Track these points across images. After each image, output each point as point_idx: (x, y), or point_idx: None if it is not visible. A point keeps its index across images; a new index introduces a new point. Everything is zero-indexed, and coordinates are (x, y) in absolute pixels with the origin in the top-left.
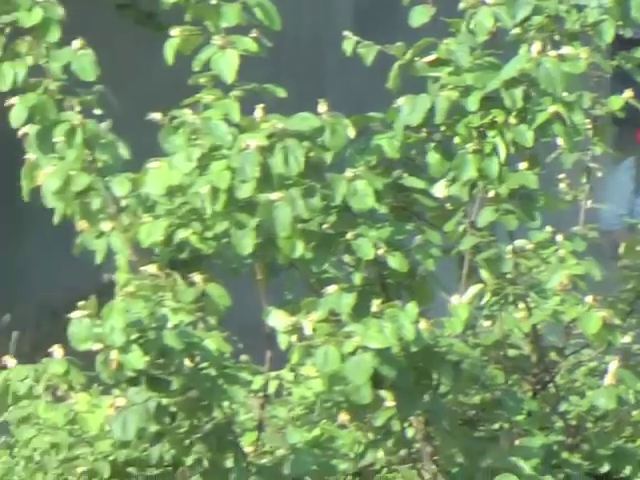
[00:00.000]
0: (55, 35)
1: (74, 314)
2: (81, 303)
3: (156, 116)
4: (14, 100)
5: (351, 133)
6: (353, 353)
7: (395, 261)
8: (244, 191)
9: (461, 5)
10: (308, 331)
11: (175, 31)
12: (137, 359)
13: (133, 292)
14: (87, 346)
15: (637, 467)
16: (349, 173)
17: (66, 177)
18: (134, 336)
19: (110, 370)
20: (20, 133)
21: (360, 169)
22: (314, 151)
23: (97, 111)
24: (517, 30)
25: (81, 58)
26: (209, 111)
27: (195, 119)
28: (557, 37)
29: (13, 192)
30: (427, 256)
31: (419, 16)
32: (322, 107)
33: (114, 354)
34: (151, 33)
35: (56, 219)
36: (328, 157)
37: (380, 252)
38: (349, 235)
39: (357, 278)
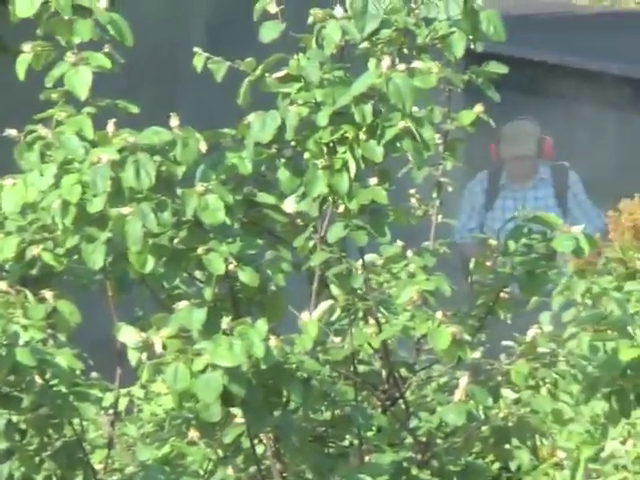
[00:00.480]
0: None
1: None
2: None
3: (11, 132)
4: None
5: (203, 148)
6: (203, 371)
7: (246, 276)
8: (95, 205)
9: (310, 19)
10: (158, 348)
11: (27, 47)
12: None
13: None
14: None
15: None
16: (200, 187)
17: None
18: None
19: None
20: None
21: (212, 183)
22: (165, 165)
23: None
24: (366, 44)
25: None
26: (62, 127)
27: (48, 133)
28: (406, 51)
29: None
30: (278, 271)
31: (269, 32)
32: (174, 121)
33: None
34: None
35: None
36: (179, 171)
37: (231, 267)
38: (200, 250)
39: (208, 293)
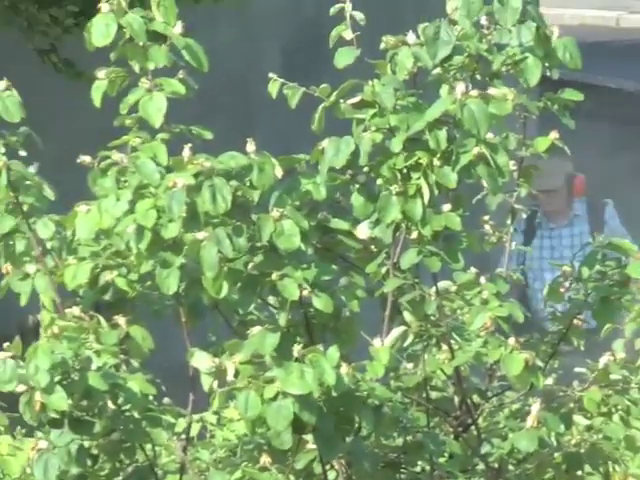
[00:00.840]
0: None
1: None
2: (5, 345)
3: (85, 159)
4: None
5: (278, 173)
6: (274, 398)
7: (320, 302)
8: (170, 230)
9: (381, 46)
10: (231, 373)
11: (102, 73)
12: (61, 400)
13: (57, 333)
14: (11, 387)
15: None
16: (276, 213)
17: None
18: (58, 377)
19: (34, 411)
20: None
21: (287, 209)
22: (241, 190)
23: (22, 153)
24: (438, 70)
25: (6, 99)
26: (137, 153)
27: (123, 158)
28: (479, 77)
29: None
30: (352, 298)
31: (343, 58)
32: (250, 146)
33: (38, 395)
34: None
35: None
36: (255, 196)
37: (305, 293)
38: (274, 276)
39: (282, 319)
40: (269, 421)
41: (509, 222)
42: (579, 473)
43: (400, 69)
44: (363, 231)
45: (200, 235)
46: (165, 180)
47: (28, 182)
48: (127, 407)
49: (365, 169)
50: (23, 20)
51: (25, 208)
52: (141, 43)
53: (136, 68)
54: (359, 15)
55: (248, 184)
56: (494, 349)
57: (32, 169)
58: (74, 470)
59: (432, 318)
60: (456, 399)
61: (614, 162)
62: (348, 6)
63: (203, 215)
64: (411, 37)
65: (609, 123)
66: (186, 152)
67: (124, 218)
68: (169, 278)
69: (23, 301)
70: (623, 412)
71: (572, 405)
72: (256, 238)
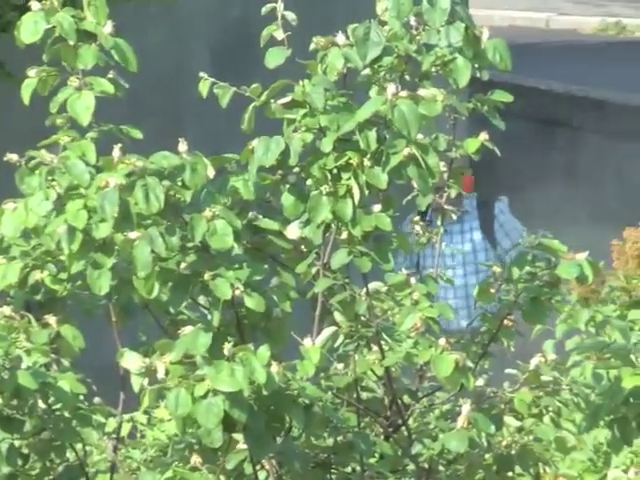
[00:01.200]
0: None
1: None
2: None
3: (12, 157)
4: None
5: (210, 173)
6: (204, 396)
7: (252, 302)
8: (102, 231)
9: (311, 47)
10: (161, 373)
11: (32, 72)
12: None
13: None
14: None
15: None
16: (208, 212)
17: None
18: None
19: None
20: None
21: (219, 209)
22: (174, 190)
23: None
24: (368, 71)
25: None
26: (66, 152)
27: (52, 159)
28: (408, 78)
29: None
30: (285, 298)
31: (274, 58)
32: (182, 146)
33: None
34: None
35: None
36: (187, 196)
37: (237, 293)
38: (207, 275)
39: (215, 319)
40: (199, 419)
41: (439, 223)
42: (510, 474)
43: (330, 70)
44: (293, 231)
45: (133, 235)
46: (96, 180)
47: None
48: (57, 406)
49: (295, 169)
50: None
51: None
52: (71, 42)
53: (67, 67)
54: (291, 15)
55: (180, 184)
56: (424, 350)
57: None
58: (4, 469)
59: (363, 318)
60: (386, 400)
61: (543, 162)
62: (280, 6)
63: (136, 215)
64: (341, 38)
65: (538, 124)
66: (116, 152)
67: (55, 218)
68: (100, 279)
69: None
70: (554, 413)
71: (503, 406)
72: (188, 238)
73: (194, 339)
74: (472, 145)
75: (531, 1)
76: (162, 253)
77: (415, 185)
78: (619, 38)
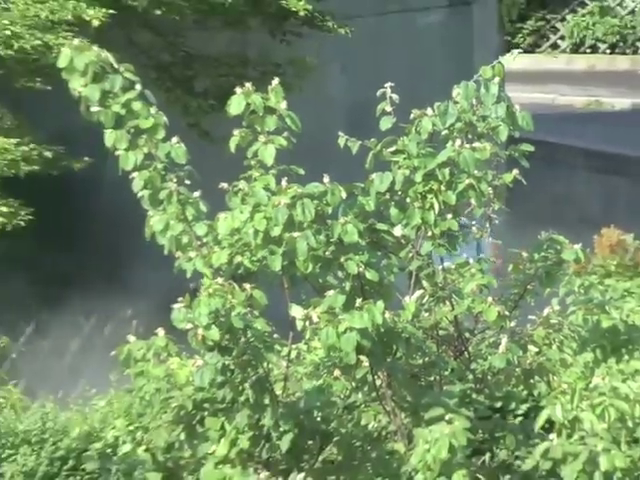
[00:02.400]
0: (161, 134)
1: (175, 305)
2: (180, 299)
3: (224, 185)
4: (135, 175)
5: (343, 195)
6: (344, 332)
7: (370, 275)
8: (275, 231)
9: (411, 116)
10: (315, 319)
11: (236, 132)
12: (214, 334)
13: (212, 292)
14: (183, 325)
15: (519, 403)
16: (342, 219)
17: (166, 223)
18: (212, 319)
19: (197, 341)
20: (139, 196)
21: (349, 217)
22: (320, 206)
23: (187, 182)
24: (446, 131)
25: (177, 149)
26: (255, 183)
27: (246, 187)
28: (470, 136)
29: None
30: (390, 272)
31: (385, 123)
32: (325, 179)
33: (200, 331)
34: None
35: (165, 250)
36: (329, 210)
37: (361, 269)
38: (342, 259)
39: (347, 286)
40: (341, 346)
41: (487, 225)
42: (531, 381)
43: (423, 130)
44: (397, 231)
45: (295, 234)
46: (272, 200)
47: (190, 200)
48: (252, 339)
49: (399, 192)
50: (180, 105)
51: (189, 217)
52: (260, 114)
53: (258, 129)
54: (395, 96)
55: (325, 202)
56: (478, 304)
57: (196, 194)
58: (219, 378)
59: (440, 285)
60: (455, 335)
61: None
62: (388, 90)
63: (297, 222)
64: (429, 111)
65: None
66: (284, 183)
67: (248, 223)
68: (275, 261)
69: (188, 274)
70: (559, 343)
71: (527, 339)
72: (330, 236)
73: (335, 298)
74: (508, 178)
75: (542, 87)
76: (313, 245)
77: (472, 202)
78: (598, 110)
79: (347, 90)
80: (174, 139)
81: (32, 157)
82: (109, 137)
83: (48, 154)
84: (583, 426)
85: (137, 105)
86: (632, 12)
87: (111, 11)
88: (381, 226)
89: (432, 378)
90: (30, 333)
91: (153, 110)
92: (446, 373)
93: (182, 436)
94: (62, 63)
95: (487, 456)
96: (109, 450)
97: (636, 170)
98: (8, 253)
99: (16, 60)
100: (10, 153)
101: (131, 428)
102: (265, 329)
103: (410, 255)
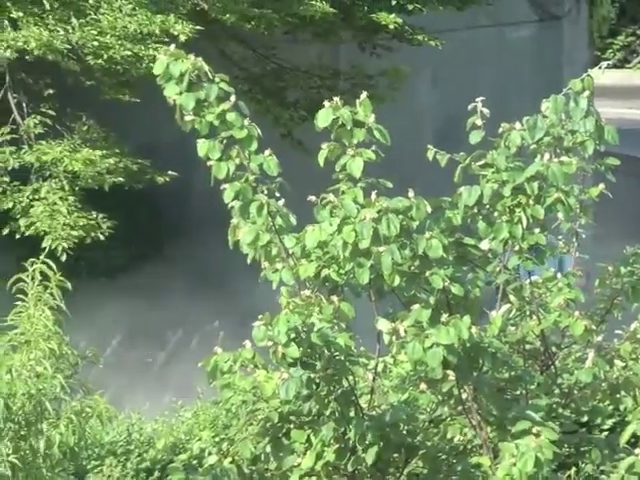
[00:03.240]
0: (254, 145)
1: (255, 323)
2: (260, 316)
3: (312, 198)
4: (226, 185)
5: (428, 209)
6: (430, 347)
7: (455, 289)
8: (363, 244)
9: (500, 129)
10: (402, 332)
11: (324, 145)
12: (294, 351)
13: (292, 309)
14: (263, 343)
15: (605, 418)
16: (427, 234)
17: (256, 235)
18: (292, 337)
19: (277, 358)
20: (229, 206)
21: (434, 232)
22: (405, 221)
23: (277, 194)
24: (534, 145)
25: (269, 161)
26: (344, 196)
27: (335, 200)
28: (558, 150)
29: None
30: (476, 286)
31: (475, 137)
32: (411, 193)
33: (279, 348)
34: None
35: (249, 260)
36: (414, 225)
37: (446, 284)
38: (427, 273)
39: (432, 300)
40: (427, 361)
41: (574, 240)
42: (617, 396)
43: (512, 144)
44: (484, 245)
45: (381, 248)
46: (360, 213)
47: (280, 212)
48: (336, 353)
49: (487, 206)
50: (271, 116)
51: (277, 228)
52: (348, 127)
53: (346, 142)
54: (485, 110)
55: (410, 217)
56: (565, 318)
57: (281, 203)
58: (304, 391)
59: (527, 299)
60: (541, 349)
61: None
62: (479, 104)
63: (382, 236)
64: (518, 125)
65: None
66: (372, 196)
67: (336, 236)
68: (363, 274)
69: (274, 286)
70: None
71: (613, 353)
72: (415, 250)
73: (421, 312)
74: (594, 192)
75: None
76: (398, 260)
77: (560, 216)
78: None
79: (436, 103)
80: (267, 151)
81: (118, 169)
82: (202, 146)
83: (134, 167)
84: None
85: (231, 116)
86: None
87: (198, 27)
88: (468, 240)
89: (518, 392)
90: (117, 344)
91: (246, 121)
92: (532, 387)
93: (268, 448)
94: (157, 70)
95: (573, 470)
96: (195, 461)
97: None
98: (99, 264)
99: (104, 71)
100: (95, 165)
101: (217, 440)
102: (349, 344)
103: (497, 269)
